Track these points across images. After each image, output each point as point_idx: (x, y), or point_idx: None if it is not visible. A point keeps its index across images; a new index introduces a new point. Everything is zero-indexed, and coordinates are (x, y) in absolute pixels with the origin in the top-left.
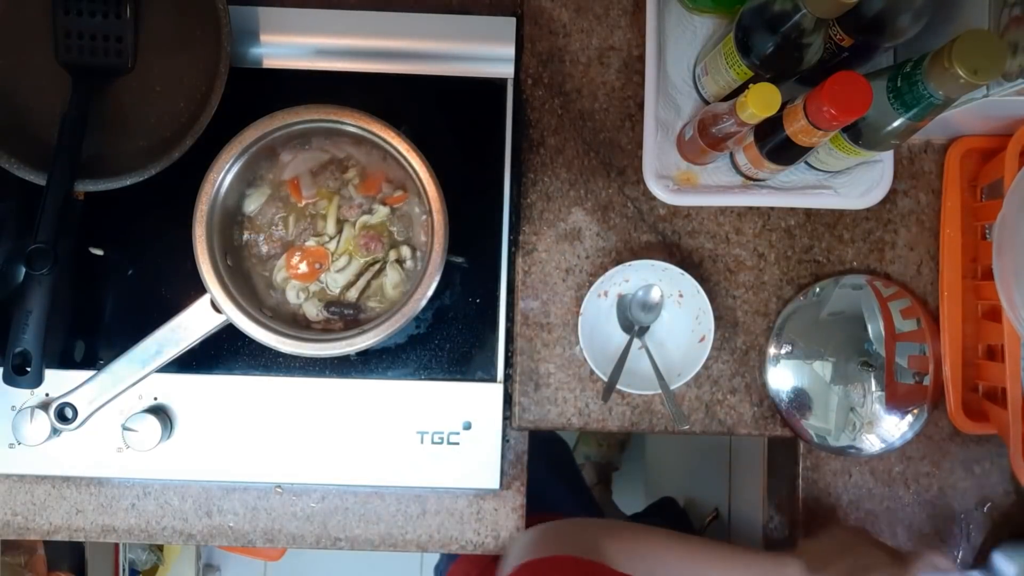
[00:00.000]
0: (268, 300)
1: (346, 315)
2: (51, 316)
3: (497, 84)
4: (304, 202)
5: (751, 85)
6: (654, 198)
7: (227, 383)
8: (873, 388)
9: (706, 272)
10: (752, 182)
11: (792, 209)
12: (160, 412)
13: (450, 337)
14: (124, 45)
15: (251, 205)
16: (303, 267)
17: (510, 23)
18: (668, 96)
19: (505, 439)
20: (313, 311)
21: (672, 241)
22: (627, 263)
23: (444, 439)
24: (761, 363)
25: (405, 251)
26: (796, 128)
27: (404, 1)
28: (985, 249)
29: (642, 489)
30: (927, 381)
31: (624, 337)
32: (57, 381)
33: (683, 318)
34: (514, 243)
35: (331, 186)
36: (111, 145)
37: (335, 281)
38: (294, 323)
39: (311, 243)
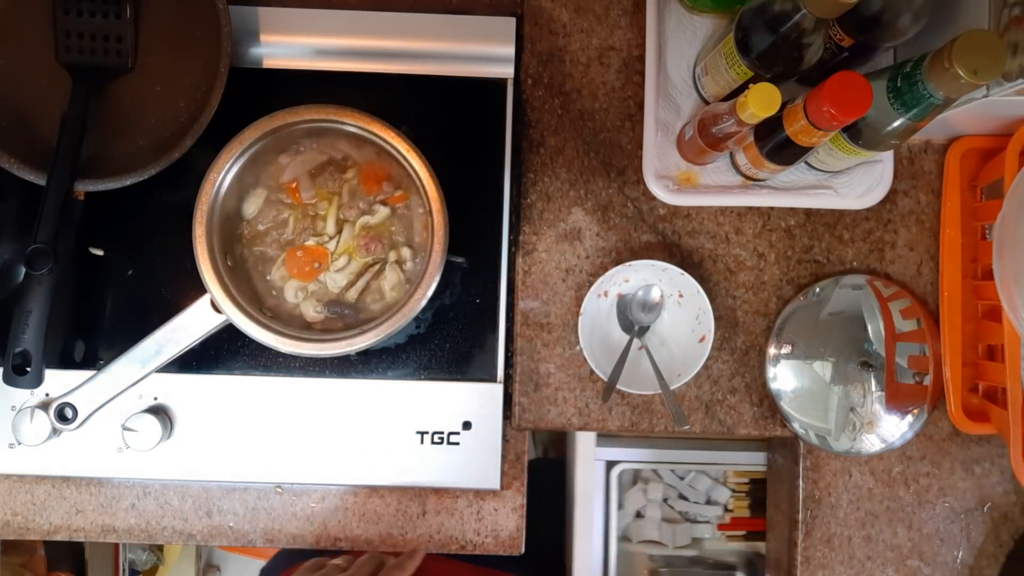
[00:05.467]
0: (268, 300)
1: (346, 315)
2: (51, 316)
3: (497, 84)
4: (303, 203)
5: (751, 85)
6: (654, 198)
7: (227, 383)
8: (873, 388)
9: (706, 272)
10: (752, 182)
11: (792, 209)
12: (160, 412)
13: (450, 337)
14: (124, 45)
15: (250, 207)
16: (302, 266)
17: (510, 23)
18: (668, 96)
19: (505, 439)
20: (311, 311)
21: (672, 241)
22: (627, 263)
23: (444, 439)
24: (761, 363)
25: (405, 252)
26: (796, 128)
27: (404, 1)
28: (985, 249)
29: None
30: (927, 381)
31: (624, 337)
32: (57, 381)
33: (683, 318)
34: (514, 243)
35: (330, 187)
36: (111, 145)
37: (334, 281)
38: (294, 323)
39: (311, 243)
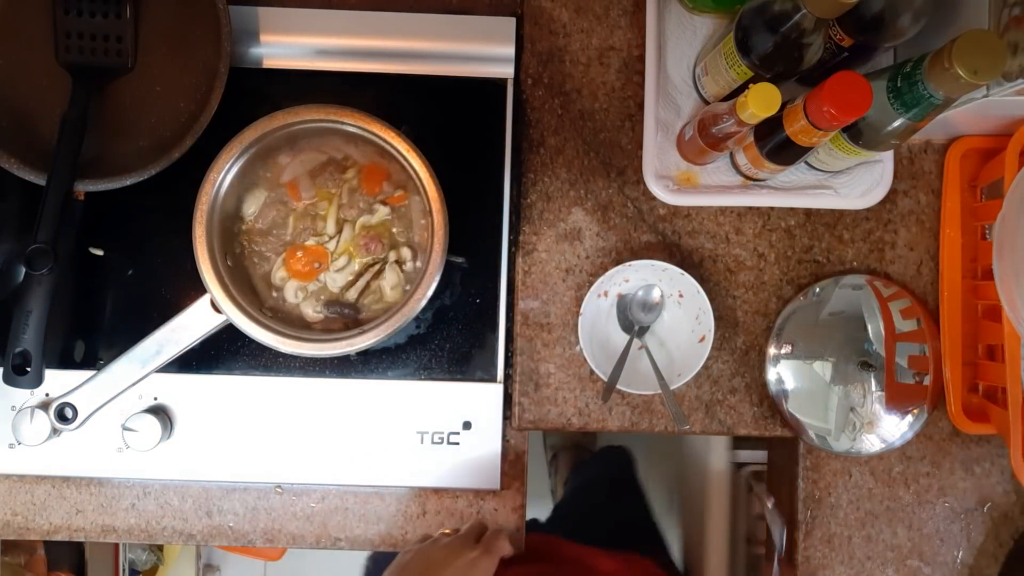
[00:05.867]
0: (268, 300)
1: (346, 315)
2: (51, 316)
3: (497, 84)
4: (303, 203)
5: (751, 85)
6: (654, 198)
7: (227, 383)
8: (873, 388)
9: (706, 272)
10: (752, 182)
11: (792, 209)
12: (160, 412)
13: (450, 337)
14: (124, 45)
15: (250, 207)
16: (302, 266)
17: (510, 23)
18: (668, 96)
19: (505, 439)
20: (311, 311)
21: (672, 241)
22: (627, 263)
23: (444, 439)
24: (761, 363)
25: (405, 252)
26: (796, 128)
27: (404, 1)
28: (985, 249)
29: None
30: (927, 381)
31: (624, 337)
32: (57, 381)
33: (683, 318)
34: (514, 243)
35: (330, 187)
36: (111, 145)
37: (334, 281)
38: (294, 323)
39: (311, 243)
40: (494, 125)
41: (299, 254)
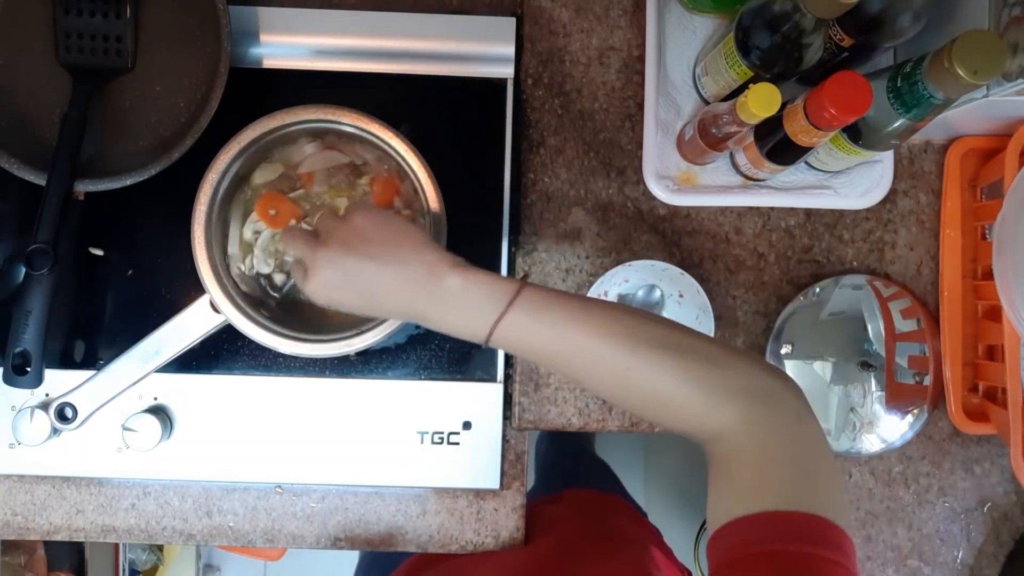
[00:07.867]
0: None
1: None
2: (51, 316)
3: (497, 84)
4: (315, 191)
5: (751, 85)
6: (654, 198)
7: (227, 383)
8: (873, 388)
9: (706, 272)
10: (752, 182)
11: (792, 209)
12: (160, 412)
13: (450, 337)
14: (124, 45)
15: (260, 179)
16: (273, 213)
17: (510, 23)
18: (668, 96)
19: (505, 439)
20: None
21: (672, 241)
22: (627, 263)
23: (444, 439)
24: None
25: None
26: (796, 128)
27: (404, 1)
28: (985, 249)
29: (641, 481)
30: (927, 381)
31: None
32: (57, 381)
33: (683, 318)
34: (514, 243)
35: (343, 187)
36: (111, 145)
37: None
38: (302, 308)
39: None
40: (494, 125)
41: (271, 200)
